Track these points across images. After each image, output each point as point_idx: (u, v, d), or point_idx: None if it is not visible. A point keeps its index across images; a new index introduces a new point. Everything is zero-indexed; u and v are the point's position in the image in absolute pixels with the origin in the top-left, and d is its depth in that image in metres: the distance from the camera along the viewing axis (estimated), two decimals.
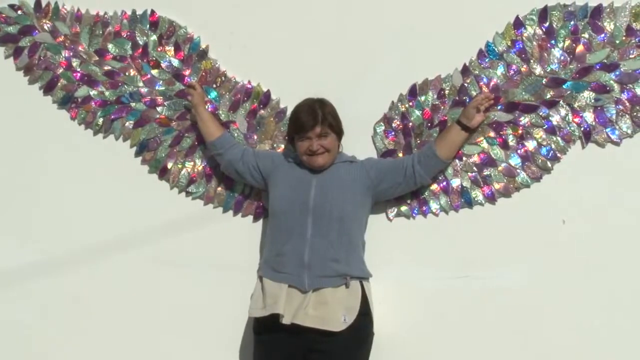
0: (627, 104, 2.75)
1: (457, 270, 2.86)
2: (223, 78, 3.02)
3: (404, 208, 2.86)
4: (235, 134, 2.97)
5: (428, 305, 2.85)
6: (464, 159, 2.84)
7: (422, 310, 2.85)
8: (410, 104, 2.88)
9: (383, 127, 2.89)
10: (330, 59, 2.96)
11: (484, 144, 2.83)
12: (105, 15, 3.11)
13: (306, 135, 2.63)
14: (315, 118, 2.63)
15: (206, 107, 2.95)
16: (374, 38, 2.94)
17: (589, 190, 2.83)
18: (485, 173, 2.84)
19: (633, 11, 2.73)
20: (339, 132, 2.69)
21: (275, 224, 2.71)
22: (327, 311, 2.55)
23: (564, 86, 2.80)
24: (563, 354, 2.81)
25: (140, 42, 3.08)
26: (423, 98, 2.88)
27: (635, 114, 2.73)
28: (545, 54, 2.81)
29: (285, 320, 2.53)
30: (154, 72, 3.07)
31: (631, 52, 2.74)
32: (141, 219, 3.13)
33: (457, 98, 2.84)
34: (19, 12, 3.19)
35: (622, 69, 2.76)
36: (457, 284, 2.85)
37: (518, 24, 2.82)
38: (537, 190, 2.84)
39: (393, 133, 2.89)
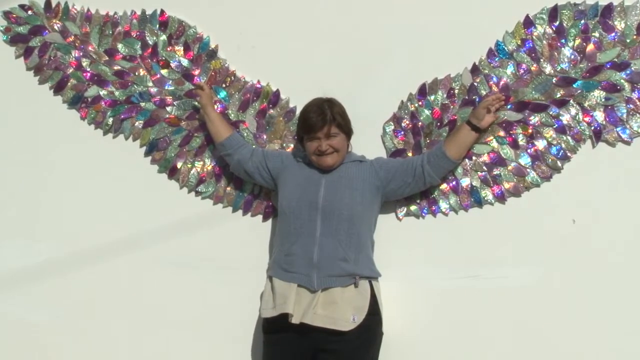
0: (638, 103, 2.75)
1: (466, 270, 2.86)
2: (232, 78, 3.03)
3: (413, 207, 2.86)
4: (245, 134, 2.98)
5: (437, 305, 2.85)
6: (474, 158, 2.85)
7: (432, 310, 2.85)
8: (420, 103, 2.89)
9: (392, 127, 2.89)
10: (340, 59, 2.96)
11: (494, 143, 2.84)
12: (115, 15, 3.12)
13: (315, 135, 2.64)
14: (324, 118, 2.63)
15: (215, 107, 2.95)
16: (383, 37, 2.94)
17: (600, 189, 2.83)
18: (495, 172, 2.85)
19: None
20: (347, 132, 2.69)
21: (284, 223, 2.71)
22: (336, 311, 2.56)
23: (574, 85, 2.80)
24: (573, 353, 2.81)
25: (150, 42, 3.09)
26: (432, 97, 2.88)
27: None
28: (556, 53, 2.80)
29: (295, 320, 2.54)
30: (164, 71, 3.08)
31: None
32: (150, 218, 3.13)
33: (466, 97, 2.84)
34: (29, 12, 3.21)
35: (633, 68, 2.75)
36: (467, 284, 2.85)
37: (528, 22, 2.82)
38: (547, 190, 2.84)
39: (402, 132, 2.89)
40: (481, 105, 2.74)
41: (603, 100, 2.78)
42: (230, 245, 3.06)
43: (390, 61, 2.91)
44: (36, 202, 3.23)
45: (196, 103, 3.01)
